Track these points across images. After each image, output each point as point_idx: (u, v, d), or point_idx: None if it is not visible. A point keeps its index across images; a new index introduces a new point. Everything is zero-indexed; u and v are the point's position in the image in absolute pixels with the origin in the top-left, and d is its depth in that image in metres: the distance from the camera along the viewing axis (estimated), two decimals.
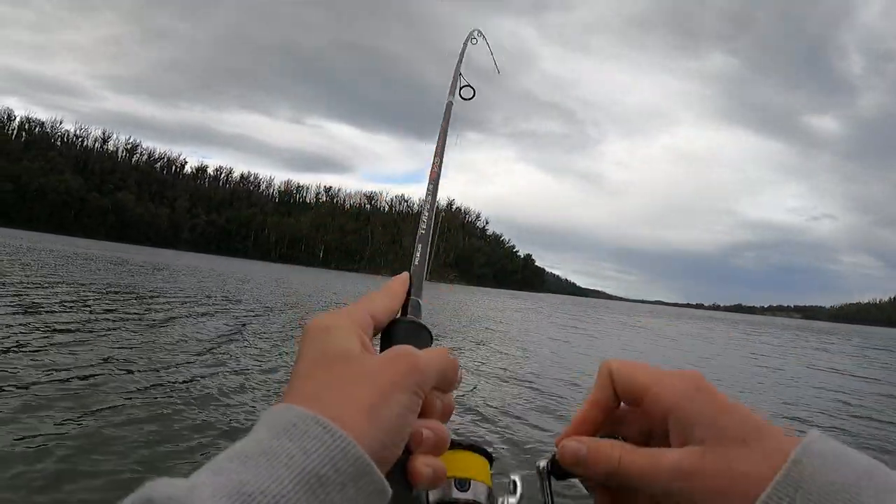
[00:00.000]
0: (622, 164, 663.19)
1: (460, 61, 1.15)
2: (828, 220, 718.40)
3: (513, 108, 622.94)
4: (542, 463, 0.49)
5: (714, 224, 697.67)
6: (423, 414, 0.43)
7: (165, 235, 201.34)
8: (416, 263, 0.59)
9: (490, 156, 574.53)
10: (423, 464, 0.41)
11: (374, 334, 0.48)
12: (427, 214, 0.66)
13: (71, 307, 13.23)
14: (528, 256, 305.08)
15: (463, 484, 0.52)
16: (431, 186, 0.70)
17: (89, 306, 13.78)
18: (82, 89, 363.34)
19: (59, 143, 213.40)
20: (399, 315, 0.52)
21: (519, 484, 0.52)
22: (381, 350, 0.47)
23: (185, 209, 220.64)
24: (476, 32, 1.39)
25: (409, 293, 0.55)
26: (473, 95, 1.09)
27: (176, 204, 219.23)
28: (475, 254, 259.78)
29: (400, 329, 0.50)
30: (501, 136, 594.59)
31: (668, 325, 48.69)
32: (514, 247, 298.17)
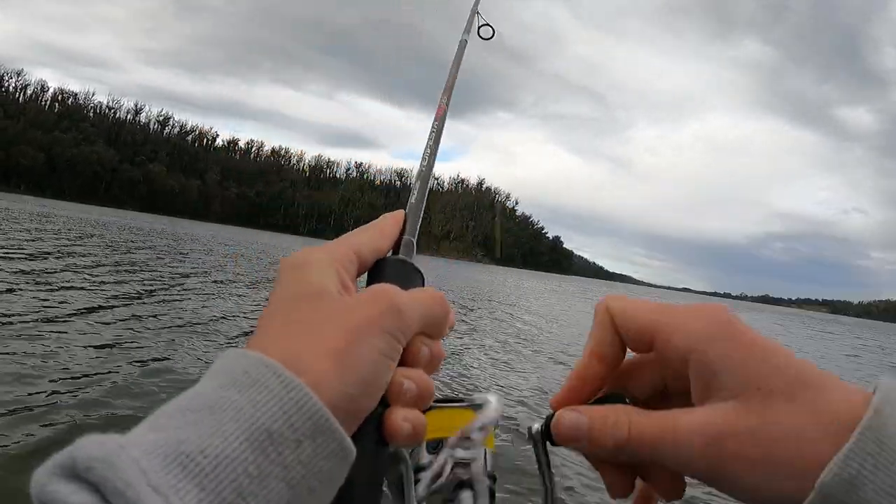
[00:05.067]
0: (652, 150, 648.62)
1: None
2: (858, 215, 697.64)
3: (543, 90, 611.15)
4: (536, 426, 0.39)
5: (743, 213, 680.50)
6: (407, 362, 0.36)
7: (196, 207, 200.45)
8: (413, 201, 0.52)
9: (519, 136, 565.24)
10: (400, 418, 0.34)
11: (360, 273, 0.41)
12: (429, 151, 0.61)
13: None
14: (557, 238, 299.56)
15: (435, 445, 0.43)
16: (437, 124, 0.65)
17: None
18: (116, 62, 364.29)
19: (91, 115, 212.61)
20: (390, 255, 0.45)
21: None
22: None
23: (215, 182, 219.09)
24: None
25: (402, 231, 0.47)
26: (493, 35, 0.96)
27: (207, 176, 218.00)
28: (504, 234, 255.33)
29: (387, 268, 0.43)
30: (531, 117, 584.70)
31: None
32: (542, 228, 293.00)
